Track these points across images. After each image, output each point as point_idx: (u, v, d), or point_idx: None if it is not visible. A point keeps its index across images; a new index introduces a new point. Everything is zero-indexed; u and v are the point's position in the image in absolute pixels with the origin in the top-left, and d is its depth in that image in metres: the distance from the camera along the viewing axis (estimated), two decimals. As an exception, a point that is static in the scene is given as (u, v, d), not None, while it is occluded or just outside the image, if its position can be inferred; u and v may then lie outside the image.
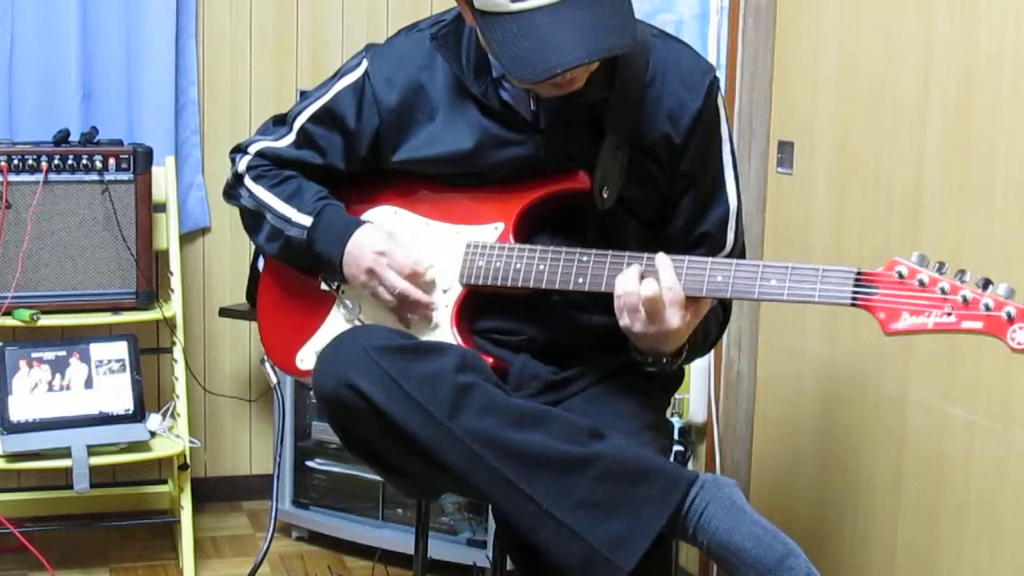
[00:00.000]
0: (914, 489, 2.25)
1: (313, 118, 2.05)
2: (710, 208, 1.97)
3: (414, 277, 1.93)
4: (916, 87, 2.21)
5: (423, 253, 1.97)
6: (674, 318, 1.75)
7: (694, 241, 1.96)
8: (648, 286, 1.74)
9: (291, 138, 2.08)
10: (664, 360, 1.86)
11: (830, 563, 2.45)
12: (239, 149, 2.14)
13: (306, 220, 2.00)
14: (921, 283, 1.61)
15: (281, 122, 2.12)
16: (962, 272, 1.59)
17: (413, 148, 1.98)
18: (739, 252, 2.01)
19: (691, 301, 1.76)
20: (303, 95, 2.14)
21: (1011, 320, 1.55)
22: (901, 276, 1.62)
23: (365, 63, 2.02)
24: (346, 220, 2.00)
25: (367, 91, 2.00)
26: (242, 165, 2.11)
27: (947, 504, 2.17)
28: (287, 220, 2.02)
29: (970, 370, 2.09)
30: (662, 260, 1.76)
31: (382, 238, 1.96)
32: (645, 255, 1.79)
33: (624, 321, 1.77)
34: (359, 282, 1.97)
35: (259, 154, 2.10)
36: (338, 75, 2.06)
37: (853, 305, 1.66)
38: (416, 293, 1.93)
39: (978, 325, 1.57)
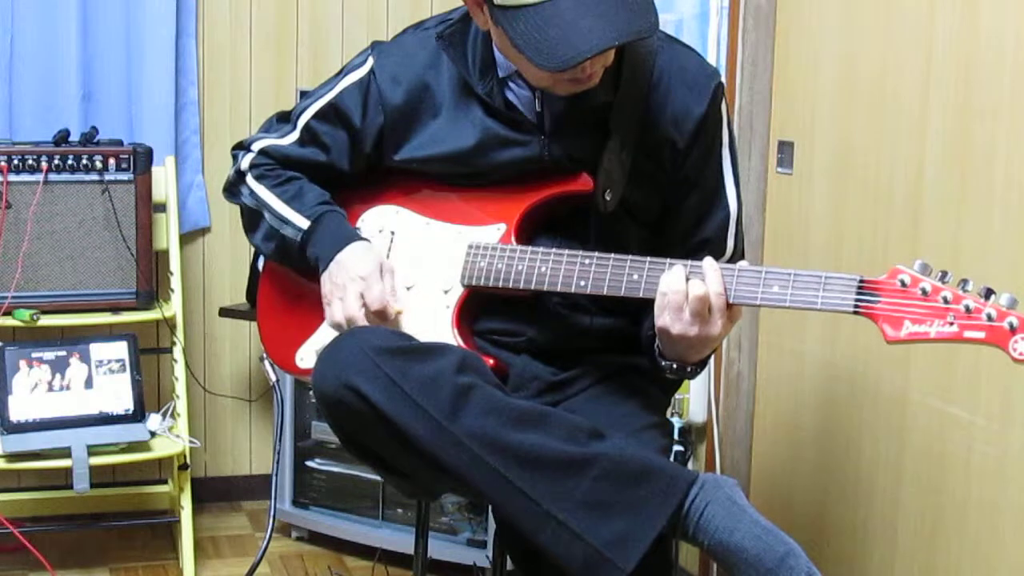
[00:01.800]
0: (914, 489, 2.25)
1: (318, 115, 2.05)
2: (711, 213, 1.96)
3: (381, 316, 1.91)
4: (916, 87, 2.21)
5: (399, 296, 1.95)
6: (716, 324, 1.74)
7: (694, 247, 1.95)
8: (697, 286, 1.72)
9: (295, 136, 2.07)
10: (688, 369, 1.85)
11: (830, 563, 2.45)
12: (242, 146, 2.14)
13: (304, 223, 2.00)
14: (924, 292, 1.61)
15: (285, 119, 2.11)
16: (964, 281, 1.59)
17: (415, 147, 1.98)
18: (738, 257, 2.01)
19: (728, 307, 1.74)
20: (307, 93, 2.13)
21: (1013, 331, 1.55)
22: (904, 284, 1.62)
23: (371, 61, 2.02)
24: (344, 231, 1.99)
25: (372, 89, 2.00)
26: (245, 163, 2.10)
27: (947, 504, 2.17)
28: (285, 220, 2.02)
29: (970, 370, 2.09)
30: (710, 264, 1.74)
31: (370, 264, 1.93)
32: (690, 262, 1.76)
33: (664, 321, 1.75)
34: (325, 288, 1.95)
35: (262, 152, 2.09)
36: (343, 72, 2.06)
37: (855, 313, 1.66)
38: (362, 320, 1.90)
39: (980, 335, 1.57)
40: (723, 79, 1.98)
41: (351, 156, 2.05)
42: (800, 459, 2.60)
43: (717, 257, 1.95)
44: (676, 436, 2.76)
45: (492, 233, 1.94)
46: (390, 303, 1.92)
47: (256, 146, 2.10)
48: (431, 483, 1.90)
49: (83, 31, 3.23)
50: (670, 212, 1.97)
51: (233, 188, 2.13)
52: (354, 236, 1.98)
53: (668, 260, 1.78)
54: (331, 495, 3.20)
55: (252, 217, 2.09)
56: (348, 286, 1.92)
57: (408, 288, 1.98)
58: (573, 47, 1.69)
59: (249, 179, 2.08)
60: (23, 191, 2.93)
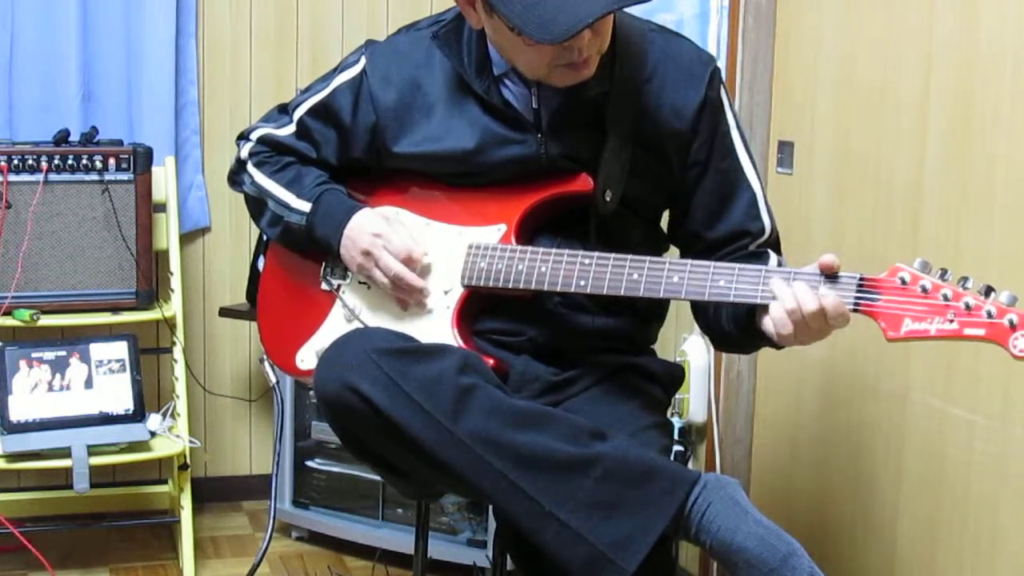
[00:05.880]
0: (914, 488, 2.25)
1: (311, 111, 2.08)
2: (735, 196, 1.95)
3: (409, 262, 1.94)
4: (916, 87, 2.21)
5: (421, 239, 1.98)
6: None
7: (730, 236, 1.95)
8: (810, 301, 1.68)
9: (292, 128, 2.10)
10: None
11: (831, 563, 2.45)
12: (243, 136, 2.17)
13: (305, 206, 2.02)
14: (924, 289, 1.61)
15: (284, 111, 2.15)
16: (964, 279, 1.59)
17: (413, 143, 1.99)
18: (776, 236, 2.00)
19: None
20: (305, 86, 2.16)
21: (1013, 327, 1.55)
22: (904, 282, 1.62)
23: (363, 60, 2.04)
24: (346, 204, 2.01)
25: (364, 88, 2.02)
26: (245, 151, 2.14)
27: (947, 504, 2.17)
28: (287, 206, 2.04)
29: (970, 369, 2.09)
30: (827, 291, 1.70)
31: (379, 221, 1.97)
32: (793, 270, 1.74)
33: (786, 341, 1.74)
34: (356, 264, 1.98)
35: (261, 140, 2.13)
36: (338, 69, 2.08)
37: (855, 311, 1.66)
38: (410, 277, 1.94)
39: (980, 332, 1.57)
40: (720, 65, 1.97)
41: (339, 154, 2.07)
42: (800, 459, 2.60)
43: (757, 238, 1.94)
44: (676, 436, 2.76)
45: (492, 233, 1.94)
46: (413, 248, 1.94)
47: (255, 135, 2.14)
48: (432, 483, 1.90)
49: (83, 31, 3.23)
50: (684, 200, 1.97)
51: (235, 177, 2.17)
52: (355, 208, 2.00)
53: (763, 268, 1.74)
54: (331, 495, 3.20)
55: (256, 204, 2.12)
56: (372, 250, 1.95)
57: (427, 224, 2.01)
58: (572, 15, 1.69)
59: (250, 167, 2.12)
60: (23, 191, 2.93)
